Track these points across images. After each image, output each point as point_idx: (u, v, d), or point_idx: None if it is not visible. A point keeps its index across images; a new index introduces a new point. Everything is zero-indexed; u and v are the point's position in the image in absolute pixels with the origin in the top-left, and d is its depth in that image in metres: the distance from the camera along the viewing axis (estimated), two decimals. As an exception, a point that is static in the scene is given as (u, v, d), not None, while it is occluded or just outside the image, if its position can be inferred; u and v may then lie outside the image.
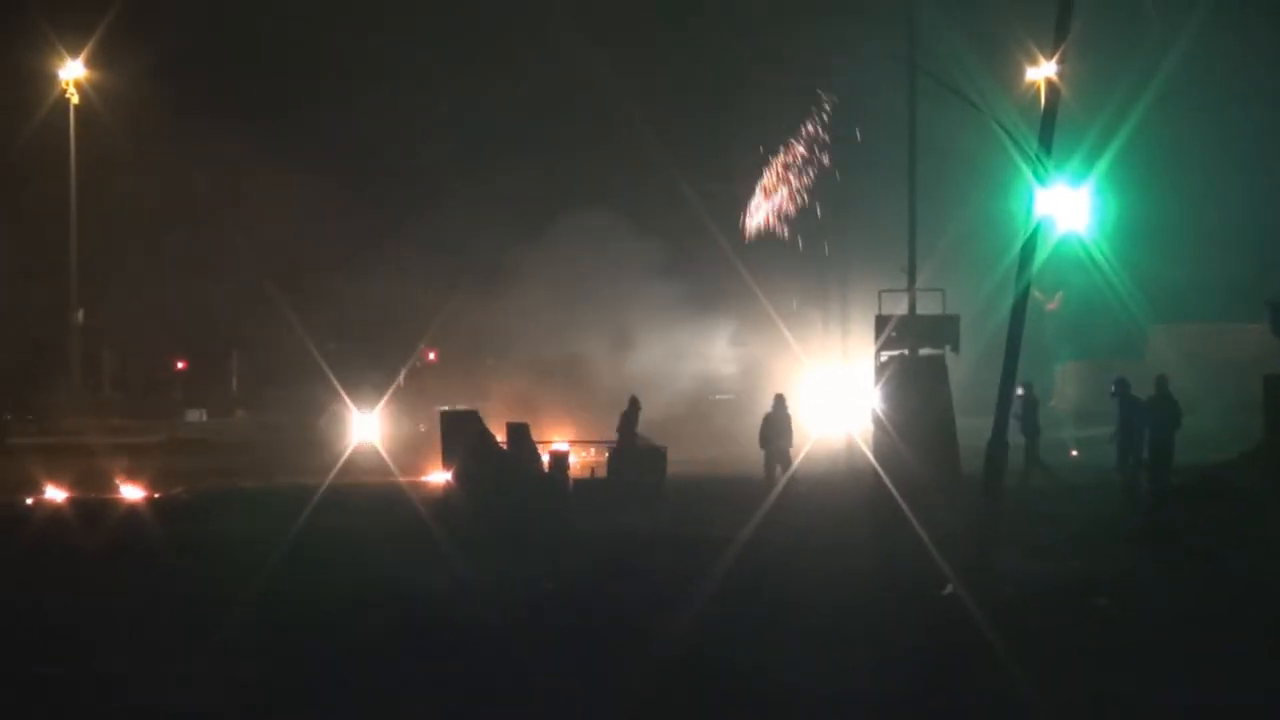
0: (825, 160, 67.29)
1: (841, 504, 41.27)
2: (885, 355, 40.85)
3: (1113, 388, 40.33)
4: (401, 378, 67.65)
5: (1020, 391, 41.55)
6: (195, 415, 73.61)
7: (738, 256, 61.48)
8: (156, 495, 47.35)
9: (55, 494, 47.45)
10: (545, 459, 43.79)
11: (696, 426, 62.54)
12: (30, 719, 19.74)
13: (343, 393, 60.81)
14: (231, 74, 76.08)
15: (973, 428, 36.68)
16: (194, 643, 23.37)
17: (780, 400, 43.83)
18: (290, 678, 21.43)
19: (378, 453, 54.46)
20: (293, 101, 75.27)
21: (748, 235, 69.71)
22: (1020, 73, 62.58)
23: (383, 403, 61.59)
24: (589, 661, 22.32)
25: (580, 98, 73.98)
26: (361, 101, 74.12)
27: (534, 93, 74.98)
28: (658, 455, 45.10)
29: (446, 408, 47.71)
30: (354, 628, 24.94)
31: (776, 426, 43.44)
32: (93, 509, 42.69)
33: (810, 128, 67.71)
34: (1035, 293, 32.04)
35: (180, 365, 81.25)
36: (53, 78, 71.44)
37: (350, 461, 52.82)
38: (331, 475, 47.48)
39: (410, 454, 53.46)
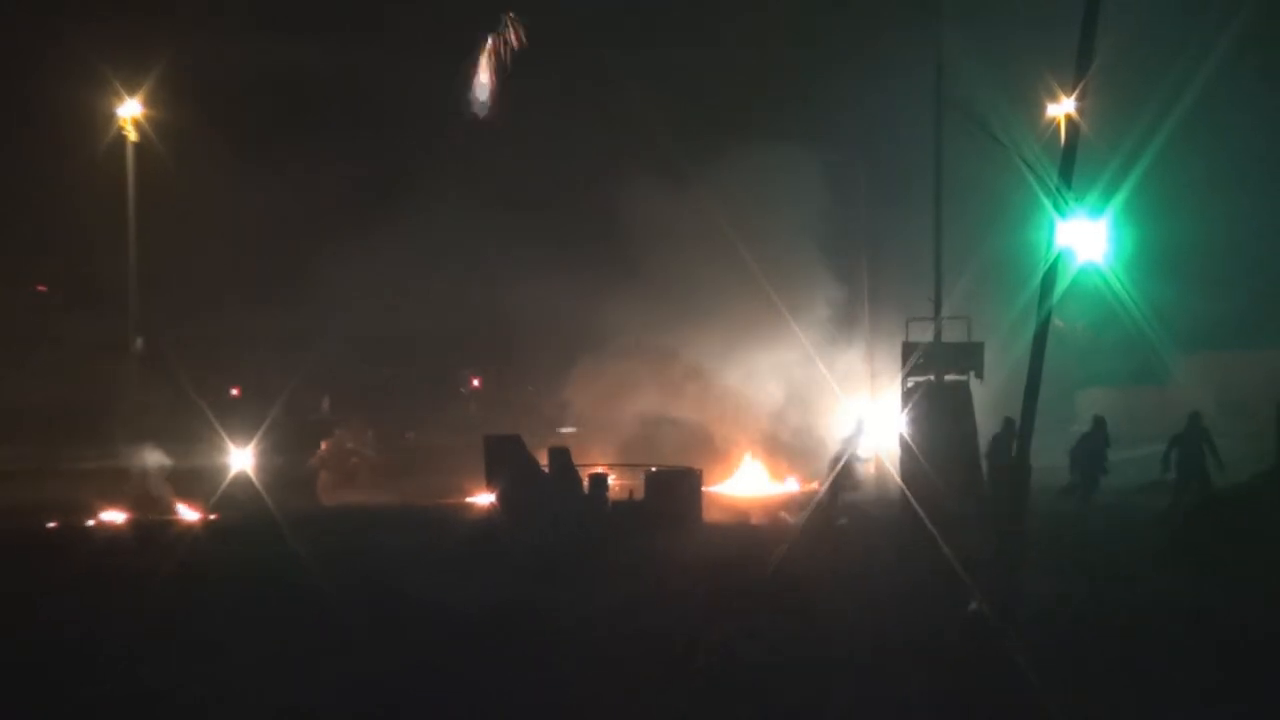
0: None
1: (870, 526, 41.29)
2: (912, 381, 40.87)
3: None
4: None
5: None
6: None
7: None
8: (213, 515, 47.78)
9: (116, 515, 47.84)
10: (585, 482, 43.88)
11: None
12: None
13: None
14: (279, 108, 76.22)
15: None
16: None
17: (859, 424, 43.94)
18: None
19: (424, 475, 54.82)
20: (337, 130, 75.42)
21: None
22: (1042, 103, 62.50)
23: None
24: (630, 676, 22.49)
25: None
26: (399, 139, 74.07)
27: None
28: (692, 477, 45.15)
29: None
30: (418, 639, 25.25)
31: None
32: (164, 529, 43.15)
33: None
34: (1057, 321, 32.00)
35: (235, 392, 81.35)
36: (110, 116, 71.67)
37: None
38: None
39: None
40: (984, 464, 42.02)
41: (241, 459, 55.81)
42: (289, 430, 60.09)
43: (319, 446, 62.59)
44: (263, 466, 56.39)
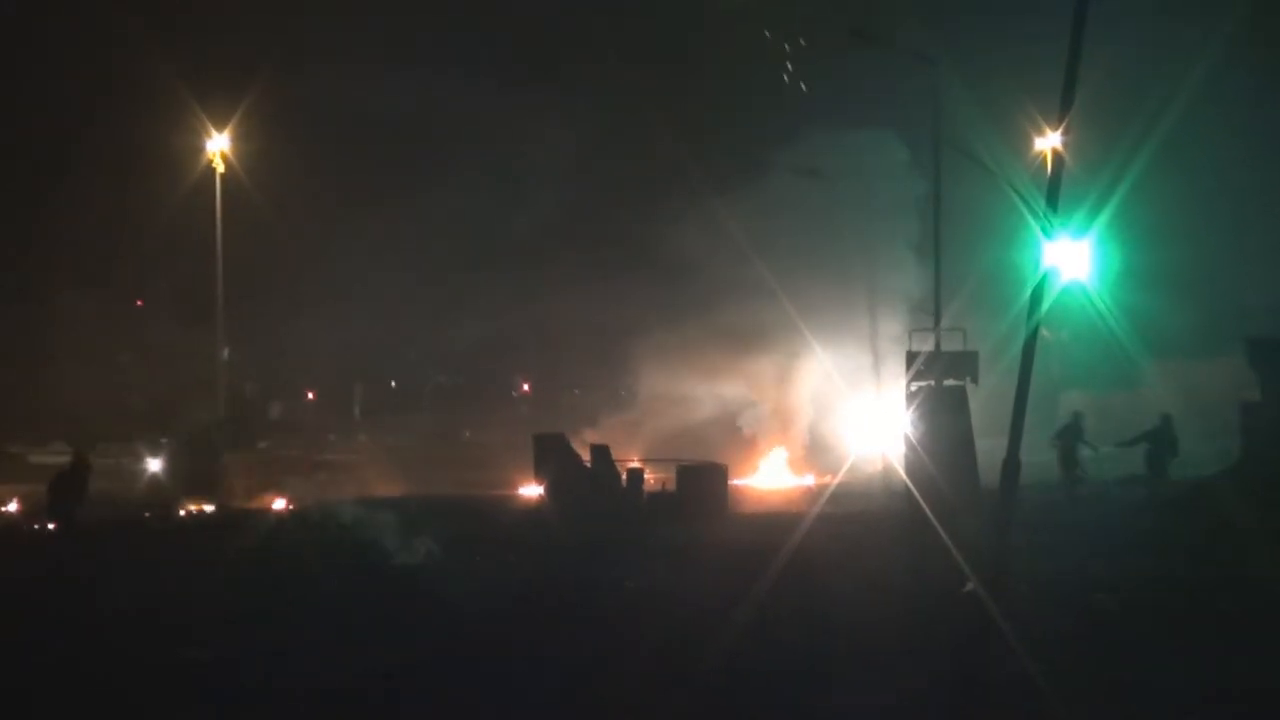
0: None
1: (879, 515, 41.30)
2: (915, 386, 40.89)
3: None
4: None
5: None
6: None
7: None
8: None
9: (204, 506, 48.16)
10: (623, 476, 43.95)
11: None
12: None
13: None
14: (353, 136, 76.32)
15: (991, 447, 36.69)
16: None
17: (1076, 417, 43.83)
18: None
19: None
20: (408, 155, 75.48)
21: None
22: (1029, 136, 62.42)
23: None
24: (667, 644, 22.65)
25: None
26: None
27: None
28: (720, 471, 45.24)
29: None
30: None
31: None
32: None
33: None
34: (1044, 331, 31.99)
35: (310, 396, 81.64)
36: (201, 149, 72.05)
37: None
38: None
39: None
40: (1056, 445, 43.37)
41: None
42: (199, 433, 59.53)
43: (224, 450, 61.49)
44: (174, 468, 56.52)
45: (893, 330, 56.92)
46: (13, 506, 50.12)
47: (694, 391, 62.02)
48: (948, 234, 47.54)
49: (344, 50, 76.63)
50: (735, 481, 48.77)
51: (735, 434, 60.33)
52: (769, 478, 56.57)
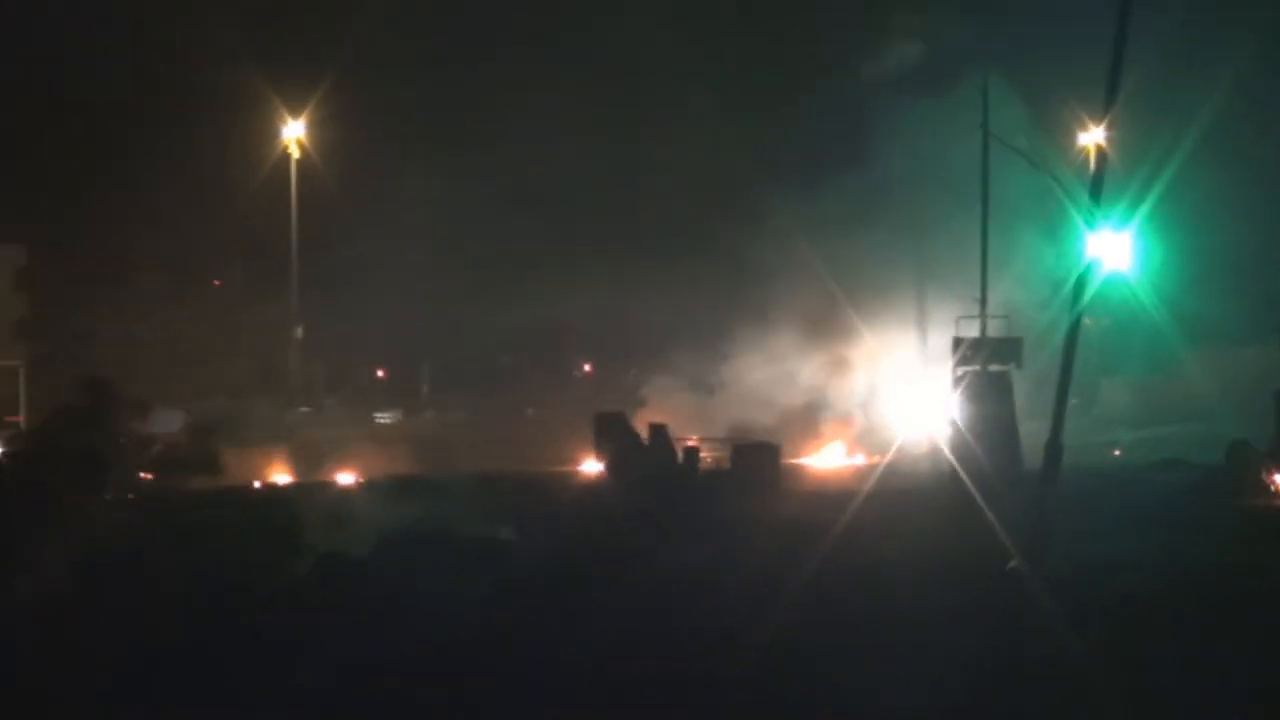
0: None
1: (925, 496, 41.38)
2: (960, 370, 41.01)
3: None
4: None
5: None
6: (387, 417, 73.80)
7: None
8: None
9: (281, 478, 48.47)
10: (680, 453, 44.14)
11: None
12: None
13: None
14: (426, 120, 76.49)
15: (1034, 430, 36.78)
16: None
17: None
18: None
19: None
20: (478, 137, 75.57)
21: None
22: (1073, 125, 62.36)
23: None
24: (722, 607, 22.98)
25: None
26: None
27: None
28: (773, 451, 45.44)
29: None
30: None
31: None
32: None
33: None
34: (1086, 320, 32.10)
35: (380, 374, 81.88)
36: (277, 135, 72.56)
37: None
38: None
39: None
40: None
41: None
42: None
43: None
44: None
45: (943, 315, 56.94)
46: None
47: (754, 373, 62.23)
48: (995, 219, 47.67)
49: (414, 36, 77.02)
50: (789, 461, 48.89)
51: (793, 415, 60.38)
52: (821, 457, 56.68)
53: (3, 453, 33.35)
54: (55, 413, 35.64)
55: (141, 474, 36.57)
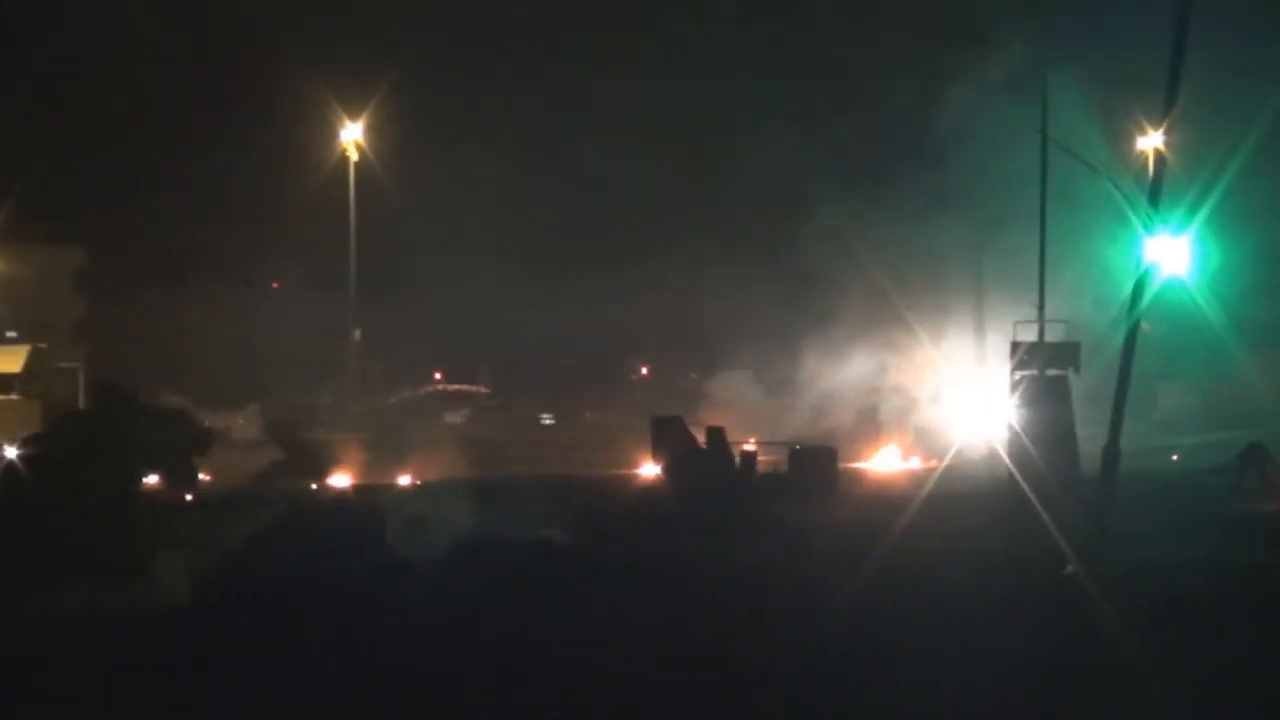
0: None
1: (983, 500, 41.23)
2: (1018, 375, 40.83)
3: None
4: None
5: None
6: (454, 417, 74.03)
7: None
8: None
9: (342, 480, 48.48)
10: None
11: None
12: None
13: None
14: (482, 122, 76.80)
15: (1093, 434, 36.67)
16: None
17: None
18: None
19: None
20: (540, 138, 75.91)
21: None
22: (1131, 133, 62.17)
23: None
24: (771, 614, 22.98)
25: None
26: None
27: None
28: (830, 454, 45.39)
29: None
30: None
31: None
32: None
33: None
34: (1144, 325, 31.95)
35: (438, 375, 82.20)
36: (335, 139, 72.97)
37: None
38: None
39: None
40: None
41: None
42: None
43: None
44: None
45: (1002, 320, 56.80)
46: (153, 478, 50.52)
47: (811, 378, 62.27)
48: (1053, 230, 47.58)
49: (471, 42, 77.34)
50: (846, 464, 48.80)
51: (850, 418, 60.35)
52: (878, 461, 56.51)
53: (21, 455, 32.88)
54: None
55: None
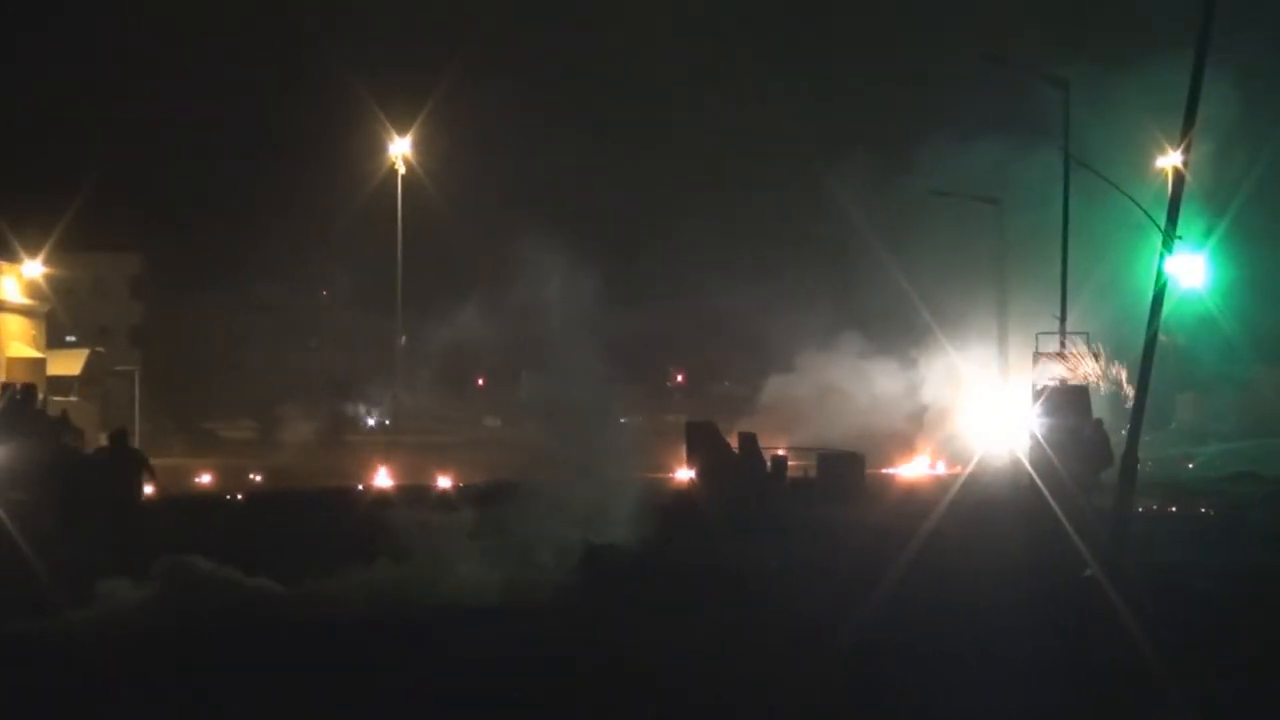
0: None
1: (1005, 505, 41.34)
2: (1040, 384, 40.95)
3: None
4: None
5: None
6: (492, 422, 74.34)
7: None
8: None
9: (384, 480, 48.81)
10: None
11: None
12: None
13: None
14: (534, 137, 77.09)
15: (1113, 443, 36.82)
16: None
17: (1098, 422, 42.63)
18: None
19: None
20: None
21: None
22: (1150, 151, 62.22)
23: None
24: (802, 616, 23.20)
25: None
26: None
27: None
28: (857, 460, 45.67)
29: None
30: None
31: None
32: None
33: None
34: (1161, 336, 32.10)
35: (480, 382, 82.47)
36: (384, 152, 73.29)
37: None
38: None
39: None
40: None
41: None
42: None
43: None
44: None
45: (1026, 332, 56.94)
46: (206, 479, 51.02)
47: (844, 385, 62.52)
48: (1074, 243, 47.73)
49: (516, 57, 77.60)
50: (873, 470, 49.02)
51: (877, 425, 60.50)
52: (905, 467, 56.66)
53: None
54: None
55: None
